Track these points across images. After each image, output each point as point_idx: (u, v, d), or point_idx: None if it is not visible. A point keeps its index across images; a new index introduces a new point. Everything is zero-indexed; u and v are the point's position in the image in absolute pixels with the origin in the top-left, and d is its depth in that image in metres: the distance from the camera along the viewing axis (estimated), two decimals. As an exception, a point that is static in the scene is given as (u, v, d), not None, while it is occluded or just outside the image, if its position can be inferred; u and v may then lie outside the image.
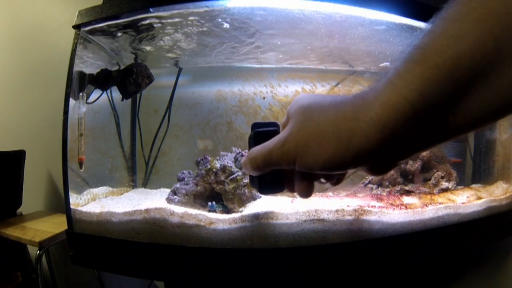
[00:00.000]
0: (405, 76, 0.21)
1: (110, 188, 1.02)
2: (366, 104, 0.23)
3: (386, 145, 0.23)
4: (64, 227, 0.77)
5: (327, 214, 0.70)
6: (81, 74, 0.85)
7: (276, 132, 0.34)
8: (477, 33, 0.19)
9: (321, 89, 1.23)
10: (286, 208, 0.72)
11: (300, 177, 0.31)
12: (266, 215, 0.69)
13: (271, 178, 0.33)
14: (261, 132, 0.35)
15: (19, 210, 1.49)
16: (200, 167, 0.91)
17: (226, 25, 0.86)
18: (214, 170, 0.88)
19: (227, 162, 0.89)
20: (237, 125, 1.20)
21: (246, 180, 0.85)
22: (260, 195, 0.86)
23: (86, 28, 0.80)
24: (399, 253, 0.72)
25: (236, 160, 0.92)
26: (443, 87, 0.20)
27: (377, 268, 0.73)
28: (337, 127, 0.24)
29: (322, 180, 0.32)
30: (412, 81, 0.21)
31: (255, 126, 0.37)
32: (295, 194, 0.32)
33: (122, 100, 1.01)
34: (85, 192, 0.88)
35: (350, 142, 0.23)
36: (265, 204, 0.80)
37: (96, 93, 0.94)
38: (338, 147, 0.24)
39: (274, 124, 0.36)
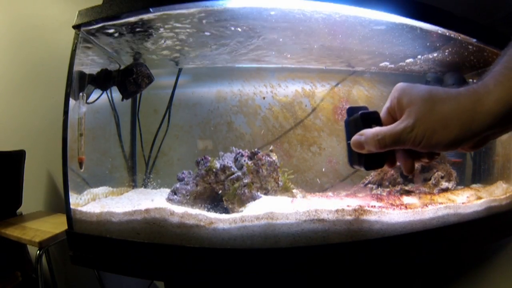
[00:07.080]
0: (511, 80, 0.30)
1: (110, 188, 1.02)
2: (481, 99, 0.32)
3: (494, 129, 0.32)
4: (64, 227, 0.77)
5: (327, 214, 0.70)
6: (81, 74, 0.85)
7: (378, 114, 0.40)
8: None
9: (321, 89, 1.23)
10: (286, 208, 0.72)
11: (407, 156, 0.39)
12: (266, 215, 0.69)
13: (376, 156, 0.38)
14: (367, 113, 0.39)
15: (19, 210, 1.49)
16: (200, 167, 0.91)
17: (226, 25, 0.86)
18: (214, 170, 0.88)
19: (227, 162, 0.89)
20: (237, 125, 1.20)
21: (246, 180, 0.85)
22: (260, 195, 0.86)
23: (86, 28, 0.80)
24: (399, 253, 0.72)
25: (236, 160, 0.92)
26: None
27: (377, 268, 0.73)
28: (460, 115, 0.32)
29: (424, 159, 0.39)
30: None
31: (350, 109, 0.42)
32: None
33: (122, 100, 1.01)
34: (85, 192, 0.88)
35: (471, 126, 0.32)
36: (265, 204, 0.80)
37: (96, 93, 0.94)
38: (461, 131, 0.33)
39: (365, 108, 0.41)
